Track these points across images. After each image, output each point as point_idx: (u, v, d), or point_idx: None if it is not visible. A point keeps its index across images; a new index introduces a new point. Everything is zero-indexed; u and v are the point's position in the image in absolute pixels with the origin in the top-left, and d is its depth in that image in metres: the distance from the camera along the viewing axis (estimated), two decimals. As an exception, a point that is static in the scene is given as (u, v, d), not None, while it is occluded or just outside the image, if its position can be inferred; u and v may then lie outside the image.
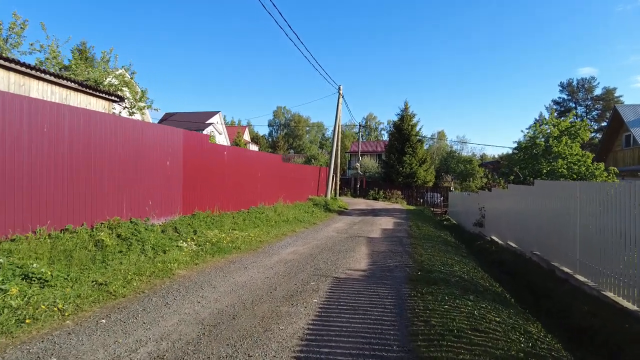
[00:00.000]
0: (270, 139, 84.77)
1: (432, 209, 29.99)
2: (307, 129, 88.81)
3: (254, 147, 57.38)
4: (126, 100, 12.54)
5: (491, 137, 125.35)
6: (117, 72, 11.94)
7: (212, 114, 49.01)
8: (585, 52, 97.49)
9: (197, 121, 45.23)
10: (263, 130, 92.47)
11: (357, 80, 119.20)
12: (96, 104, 9.91)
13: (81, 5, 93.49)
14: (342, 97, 23.69)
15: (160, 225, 7.90)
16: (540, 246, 8.79)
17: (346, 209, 21.25)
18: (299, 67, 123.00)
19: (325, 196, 22.14)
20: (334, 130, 23.13)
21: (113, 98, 10.15)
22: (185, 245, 7.47)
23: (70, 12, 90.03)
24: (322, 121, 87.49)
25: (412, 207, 27.37)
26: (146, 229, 7.17)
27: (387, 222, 14.92)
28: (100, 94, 9.77)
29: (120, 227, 6.77)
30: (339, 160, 24.86)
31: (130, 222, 7.18)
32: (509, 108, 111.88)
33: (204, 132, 42.98)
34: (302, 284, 5.39)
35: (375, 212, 19.69)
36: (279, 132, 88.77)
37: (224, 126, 51.19)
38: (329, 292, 4.99)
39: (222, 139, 48.82)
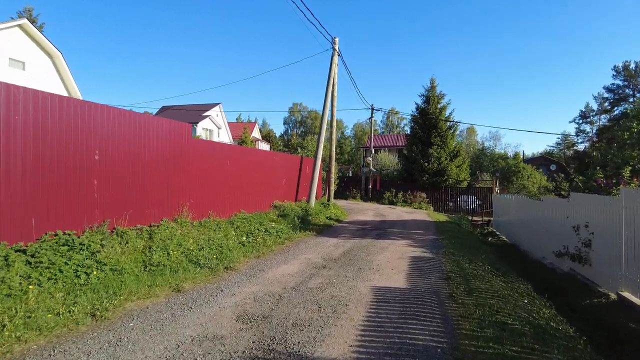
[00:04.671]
0: (285, 138, 77.98)
1: (470, 217, 21.59)
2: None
3: (264, 146, 49.93)
4: None
5: (524, 137, 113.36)
6: None
7: (212, 106, 42.49)
8: (623, 45, 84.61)
9: (196, 111, 38.96)
10: (279, 130, 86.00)
11: (378, 80, 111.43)
12: None
13: (89, 5, 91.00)
14: (339, 54, 15.97)
15: None
16: None
17: (339, 221, 13.48)
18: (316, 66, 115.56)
19: (308, 201, 14.37)
20: (325, 102, 15.42)
21: None
22: None
23: (77, 13, 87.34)
24: (341, 119, 79.48)
25: (442, 217, 19.15)
26: None
27: (396, 261, 7.11)
28: None
29: None
30: (334, 149, 17.01)
31: None
32: (542, 110, 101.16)
33: (199, 125, 36.14)
34: None
35: (382, 230, 11.84)
36: (294, 130, 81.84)
37: (225, 119, 44.35)
38: None
39: (223, 135, 41.78)
